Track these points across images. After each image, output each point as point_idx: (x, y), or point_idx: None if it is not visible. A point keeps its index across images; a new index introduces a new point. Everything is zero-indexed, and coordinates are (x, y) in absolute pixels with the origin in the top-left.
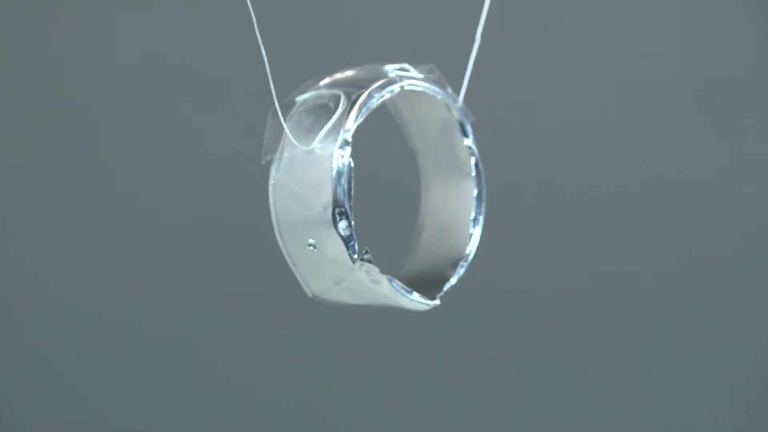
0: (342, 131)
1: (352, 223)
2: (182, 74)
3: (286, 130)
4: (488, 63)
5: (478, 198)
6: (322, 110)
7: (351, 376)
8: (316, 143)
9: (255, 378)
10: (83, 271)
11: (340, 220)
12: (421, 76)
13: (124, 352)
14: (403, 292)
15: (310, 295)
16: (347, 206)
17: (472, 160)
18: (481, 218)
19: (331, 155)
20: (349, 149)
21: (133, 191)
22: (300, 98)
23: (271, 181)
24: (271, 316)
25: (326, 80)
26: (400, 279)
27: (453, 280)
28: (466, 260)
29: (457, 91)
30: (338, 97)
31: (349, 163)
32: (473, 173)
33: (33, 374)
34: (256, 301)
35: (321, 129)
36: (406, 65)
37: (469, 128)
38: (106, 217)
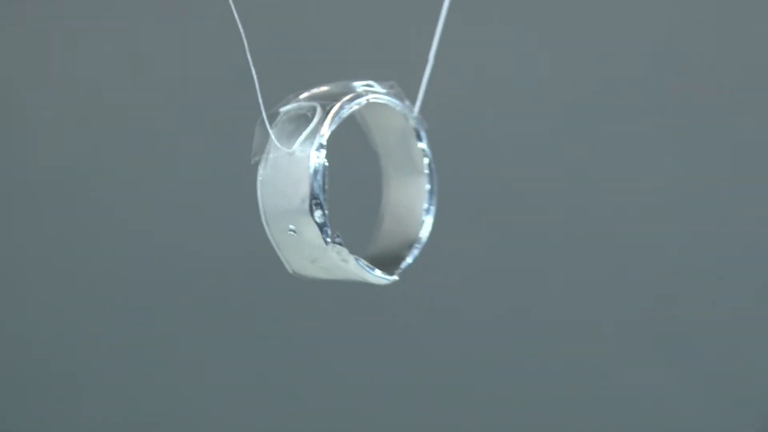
0: (318, 136)
1: (326, 212)
2: (188, 93)
3: (272, 135)
4: (440, 80)
5: (430, 192)
6: (302, 119)
7: (324, 348)
8: (296, 146)
9: (235, 350)
10: (73, 259)
11: (316, 210)
12: (384, 90)
13: (114, 330)
14: (368, 269)
15: (291, 271)
16: (322, 198)
17: (425, 160)
18: (432, 208)
19: (309, 156)
20: (324, 151)
21: (135, 187)
22: (283, 109)
23: (259, 178)
24: (258, 291)
25: (305, 94)
26: (365, 258)
27: (409, 260)
28: (419, 243)
29: (414, 104)
30: (315, 108)
31: (324, 163)
32: (426, 171)
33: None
34: (245, 278)
35: (300, 134)
36: (371, 82)
37: (423, 134)
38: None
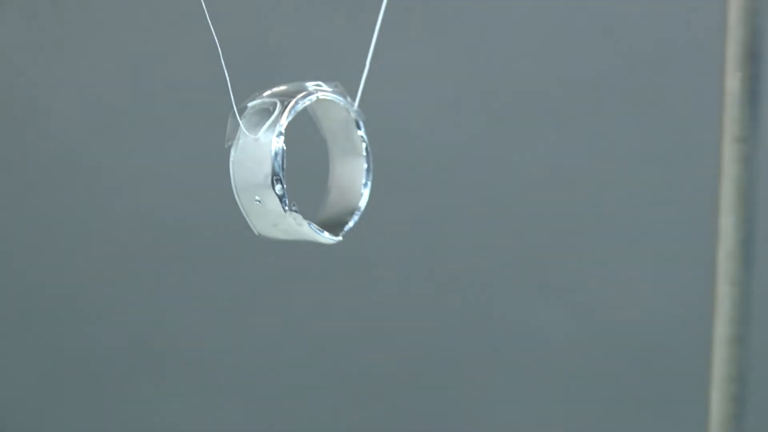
0: (278, 126)
1: (284, 186)
2: (177, 93)
3: (241, 125)
4: (375, 81)
5: (367, 170)
6: (265, 112)
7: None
8: (261, 134)
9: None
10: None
11: (276, 184)
12: (330, 89)
13: (102, 290)
14: (318, 231)
15: (256, 233)
16: (281, 175)
17: (363, 145)
18: (369, 183)
19: (271, 142)
20: (282, 138)
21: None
22: (250, 104)
23: (231, 159)
24: (228, 249)
25: (267, 92)
26: (315, 223)
27: (350, 224)
28: (359, 211)
29: (354, 100)
30: (275, 104)
31: (283, 147)
32: (364, 154)
33: None
34: (218, 238)
35: (264, 124)
36: (320, 82)
37: (361, 124)
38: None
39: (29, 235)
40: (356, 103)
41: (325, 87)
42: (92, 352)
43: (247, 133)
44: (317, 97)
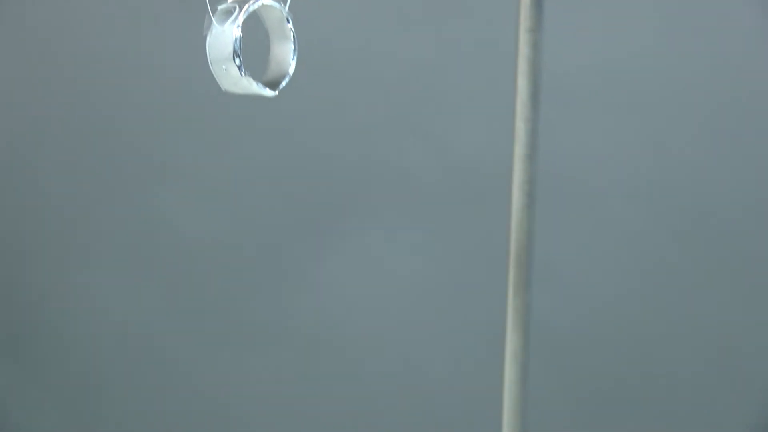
0: (237, 21)
1: (242, 60)
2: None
3: (213, 20)
4: None
5: (294, 50)
6: (229, 12)
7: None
8: (226, 26)
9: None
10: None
11: (236, 58)
12: None
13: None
14: (263, 88)
15: (223, 90)
16: (239, 53)
17: (291, 33)
18: (295, 57)
19: (232, 31)
20: (240, 28)
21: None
22: (220, 7)
23: (207, 43)
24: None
25: (231, 0)
26: (261, 83)
27: (283, 84)
28: (289, 75)
29: (286, 4)
30: (236, 7)
31: (240, 35)
32: (292, 39)
33: None
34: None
35: (228, 20)
36: None
37: (290, 20)
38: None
39: None
40: (287, 7)
41: None
42: None
43: (216, 25)
44: (262, 3)
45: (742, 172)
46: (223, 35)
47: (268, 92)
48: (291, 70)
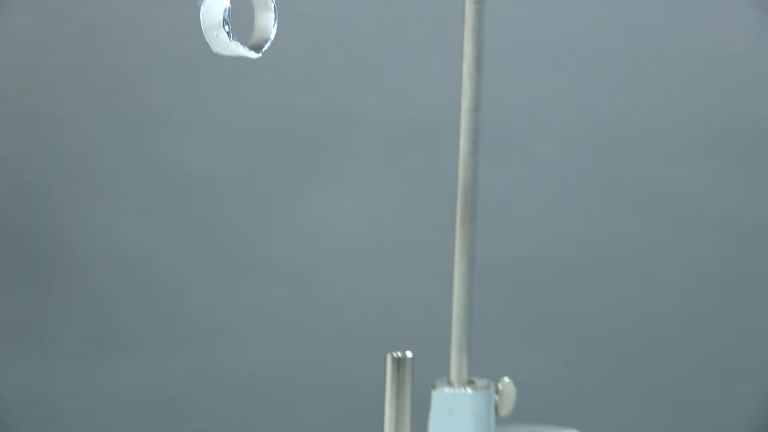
0: None
1: (230, 27)
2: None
3: None
4: None
5: (275, 18)
6: None
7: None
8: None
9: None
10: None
11: (225, 25)
12: None
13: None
14: (249, 51)
15: (214, 52)
16: (229, 21)
17: (272, 4)
18: (276, 24)
19: (222, 2)
20: (229, 1)
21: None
22: None
23: (201, 13)
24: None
25: None
26: (247, 47)
27: (266, 47)
28: (270, 40)
29: None
30: None
31: (229, 6)
32: (273, 8)
33: None
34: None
35: None
36: None
37: None
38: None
39: None
40: None
41: None
42: None
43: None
44: None
45: (651, 114)
46: (215, 5)
47: (253, 54)
48: (272, 36)
